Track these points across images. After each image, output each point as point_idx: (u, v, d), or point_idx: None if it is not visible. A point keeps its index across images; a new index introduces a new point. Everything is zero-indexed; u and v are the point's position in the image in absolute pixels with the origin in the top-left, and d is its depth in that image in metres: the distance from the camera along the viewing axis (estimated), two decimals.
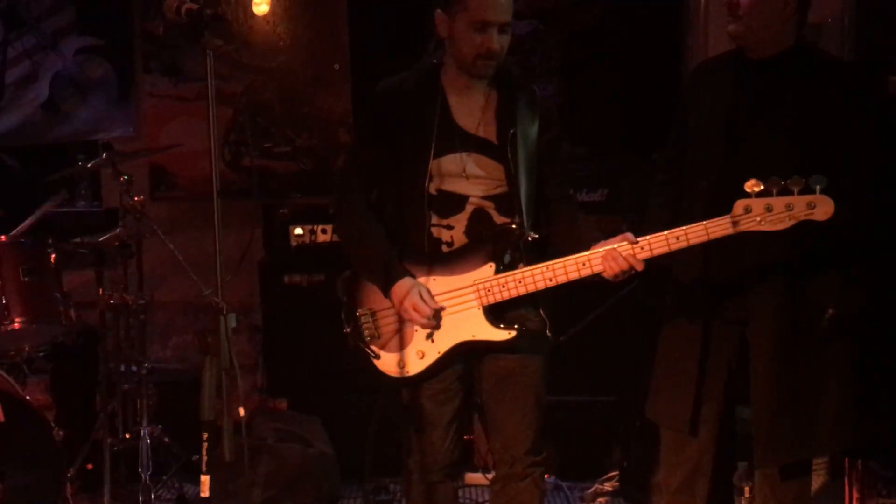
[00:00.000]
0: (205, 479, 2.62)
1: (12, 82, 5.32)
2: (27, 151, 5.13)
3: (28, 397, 3.96)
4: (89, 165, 4.22)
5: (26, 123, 5.30)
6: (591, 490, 4.56)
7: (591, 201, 4.70)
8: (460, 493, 4.53)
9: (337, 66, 5.16)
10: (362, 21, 5.15)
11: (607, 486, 4.58)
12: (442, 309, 3.08)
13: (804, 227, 2.91)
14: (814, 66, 3.25)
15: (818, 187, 2.85)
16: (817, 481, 4.09)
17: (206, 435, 2.59)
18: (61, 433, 3.87)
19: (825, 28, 4.55)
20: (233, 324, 2.59)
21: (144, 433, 4.20)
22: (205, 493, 2.62)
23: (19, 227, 4.08)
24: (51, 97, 5.31)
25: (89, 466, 4.26)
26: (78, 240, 4.24)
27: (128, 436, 4.30)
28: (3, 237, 3.96)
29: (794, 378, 3.27)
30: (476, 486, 4.66)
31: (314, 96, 5.19)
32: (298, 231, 4.80)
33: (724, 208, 2.91)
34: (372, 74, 3.32)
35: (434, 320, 3.06)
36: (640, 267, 2.97)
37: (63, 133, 5.28)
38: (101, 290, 4.12)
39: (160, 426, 4.33)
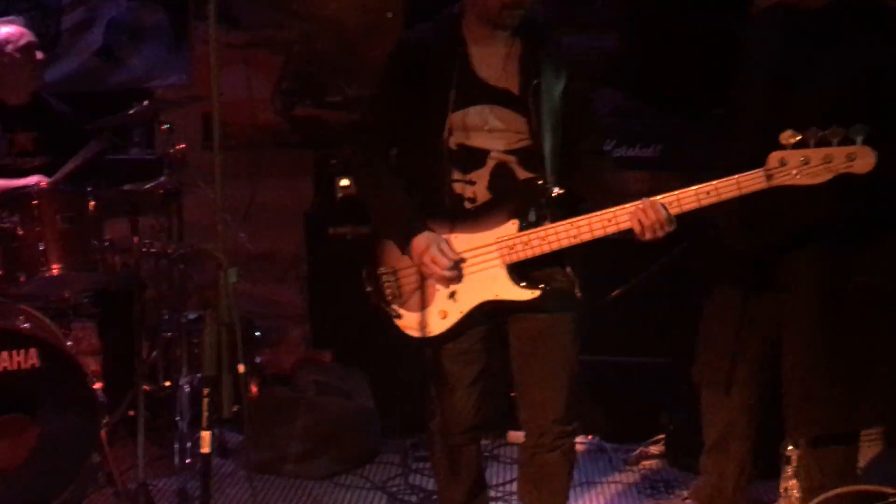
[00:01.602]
0: (205, 434, 2.54)
1: (68, 28, 5.30)
2: (82, 98, 5.08)
3: (69, 343, 3.96)
4: (131, 112, 4.16)
5: (82, 70, 5.28)
6: (636, 453, 4.42)
7: (643, 157, 4.53)
8: (502, 451, 4.45)
9: (390, 15, 5.02)
10: None
11: (653, 450, 4.44)
12: (463, 261, 2.96)
13: (848, 189, 2.72)
14: (866, 14, 3.01)
15: (859, 138, 2.66)
16: (872, 450, 3.91)
17: (206, 390, 2.51)
18: (97, 381, 3.86)
19: None
20: (233, 278, 2.49)
21: (183, 382, 4.16)
22: (205, 449, 2.55)
23: (59, 172, 4.04)
24: (105, 44, 5.28)
25: (131, 413, 4.24)
26: (119, 188, 4.19)
27: (167, 384, 4.27)
28: (43, 183, 3.93)
29: (831, 348, 3.09)
30: (518, 444, 4.54)
31: (366, 45, 5.05)
32: (344, 182, 4.69)
33: None
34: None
35: (454, 272, 2.94)
36: (670, 225, 2.80)
37: (118, 80, 5.25)
38: (135, 239, 4.07)
39: (199, 375, 4.29)
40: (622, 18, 5.07)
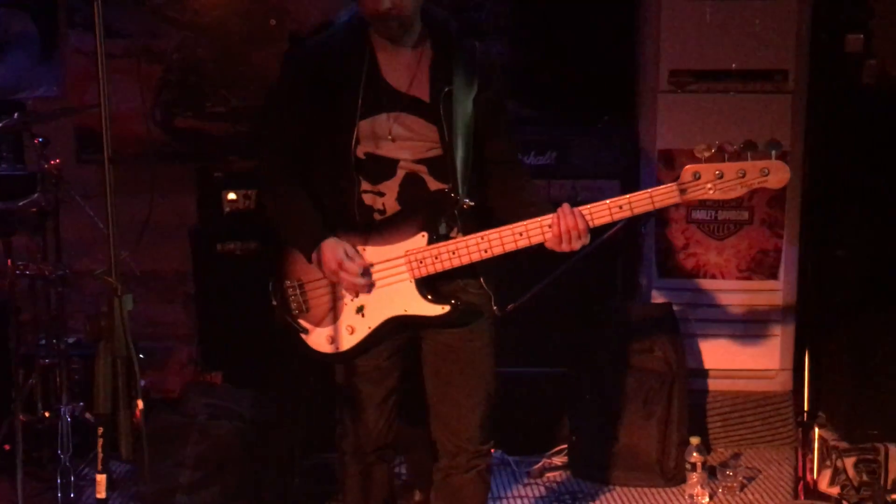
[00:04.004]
0: (101, 478, 2.26)
1: None
2: None
3: None
4: (0, 126, 3.80)
5: None
6: (539, 465, 4.27)
7: (539, 164, 4.41)
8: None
9: (273, 22, 4.75)
10: None
11: (556, 461, 4.30)
12: (372, 266, 2.75)
13: None
14: None
15: (773, 152, 2.57)
16: None
17: (101, 430, 2.22)
18: None
19: None
20: (129, 306, 2.21)
21: (64, 411, 3.82)
22: (101, 494, 2.26)
23: None
24: None
25: (6, 447, 3.87)
26: None
27: (47, 414, 3.92)
28: None
29: None
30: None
31: (249, 54, 4.78)
32: (232, 196, 4.41)
33: None
34: (311, 32, 2.93)
35: (366, 278, 2.74)
36: (586, 237, 2.66)
37: None
38: (9, 261, 3.71)
39: (82, 403, 3.95)
40: (511, 25, 4.92)
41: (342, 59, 2.76)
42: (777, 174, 2.59)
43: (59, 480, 3.80)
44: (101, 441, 2.24)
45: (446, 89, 2.75)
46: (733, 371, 4.46)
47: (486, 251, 2.71)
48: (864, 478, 3.79)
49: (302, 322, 2.88)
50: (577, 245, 2.67)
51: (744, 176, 2.60)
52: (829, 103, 4.29)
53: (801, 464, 3.92)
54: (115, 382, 2.20)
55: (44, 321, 4.03)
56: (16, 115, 3.78)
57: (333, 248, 2.73)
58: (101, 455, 2.25)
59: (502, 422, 4.23)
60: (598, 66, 4.82)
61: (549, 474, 4.24)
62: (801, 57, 4.30)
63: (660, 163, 4.33)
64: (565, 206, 2.66)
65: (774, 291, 4.41)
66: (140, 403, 2.20)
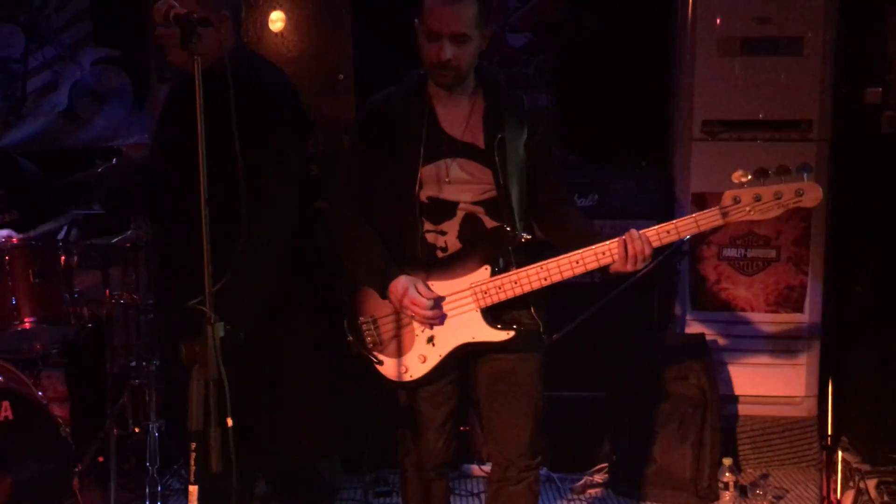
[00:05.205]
0: (193, 489, 2.27)
1: (33, 91, 5.02)
2: (48, 157, 4.77)
3: (40, 393, 3.66)
4: (99, 171, 3.88)
5: (47, 130, 4.99)
6: (581, 482, 4.23)
7: (583, 206, 4.39)
8: (457, 483, 4.22)
9: (341, 77, 4.81)
10: (366, 34, 4.81)
11: (597, 478, 4.26)
12: (442, 299, 2.77)
13: None
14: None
15: (805, 174, 2.56)
16: None
17: (193, 445, 2.23)
18: (68, 429, 3.57)
19: (807, 41, 4.21)
20: (221, 333, 2.23)
21: (152, 427, 3.85)
22: (193, 503, 2.27)
23: (32, 232, 3.74)
24: (70, 105, 5.00)
25: (100, 459, 3.91)
26: (89, 241, 3.89)
27: (137, 430, 3.96)
28: (14, 239, 3.61)
29: None
30: (472, 477, 4.32)
31: (320, 105, 4.83)
32: None
33: None
34: (375, 85, 2.99)
35: (436, 311, 2.75)
36: (648, 259, 2.67)
37: (82, 140, 4.96)
38: (107, 292, 3.77)
39: (165, 421, 3.99)
40: (555, 79, 4.94)
41: (404, 111, 2.80)
42: (811, 193, 2.58)
43: (146, 490, 3.83)
44: (193, 455, 2.25)
45: (499, 136, 2.77)
46: (762, 397, 4.40)
47: (545, 279, 2.72)
48: (886, 498, 3.72)
49: (377, 354, 2.89)
50: (640, 266, 2.68)
51: (780, 198, 2.59)
52: (850, 151, 4.26)
53: (825, 485, 3.85)
54: (206, 402, 2.22)
55: (135, 345, 4.07)
56: (114, 160, 3.85)
57: (405, 284, 2.75)
58: (192, 467, 2.26)
59: (548, 442, 4.29)
60: (636, 116, 4.82)
61: (590, 490, 4.20)
62: (824, 108, 4.27)
63: (693, 205, 4.30)
64: (633, 231, 2.66)
65: (800, 324, 4.35)
66: (230, 421, 2.22)
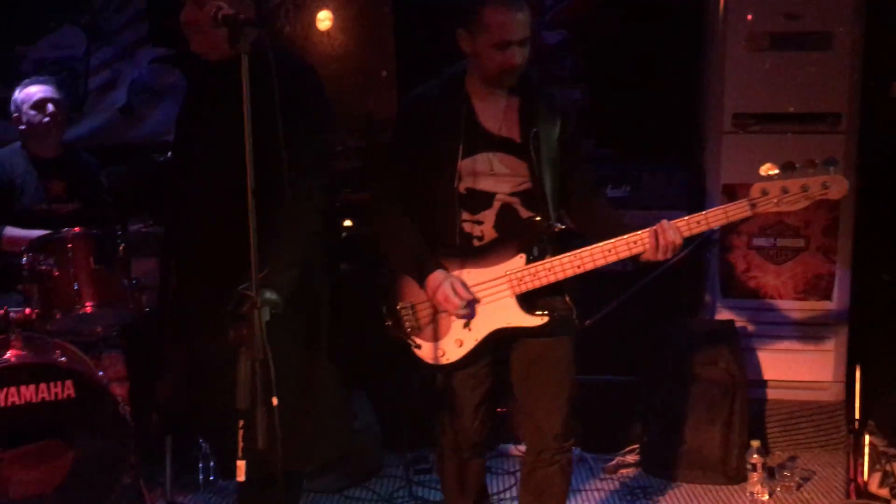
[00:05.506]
0: (241, 463, 2.35)
1: (94, 89, 5.16)
2: (108, 150, 4.91)
3: (101, 373, 3.77)
4: (160, 160, 3.98)
5: (107, 126, 5.13)
6: (614, 462, 4.28)
7: (615, 197, 4.43)
8: (495, 462, 4.28)
9: (384, 74, 4.89)
10: (407, 31, 4.89)
11: (629, 459, 4.30)
12: (477, 301, 2.83)
13: None
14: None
15: (832, 168, 2.59)
16: None
17: (241, 422, 2.32)
18: (127, 408, 3.68)
19: (836, 36, 4.20)
20: (267, 317, 2.32)
21: None
22: (241, 477, 2.36)
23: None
24: (128, 102, 5.14)
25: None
26: (145, 230, 3.99)
27: None
28: (77, 228, 3.73)
29: None
30: (509, 456, 4.38)
31: (364, 101, 4.92)
32: (347, 223, 4.55)
33: None
34: (416, 80, 3.04)
35: (466, 310, 2.81)
36: (679, 248, 2.72)
37: (139, 135, 5.09)
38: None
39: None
40: (588, 74, 4.97)
41: (443, 107, 2.86)
42: (836, 186, 2.61)
43: (200, 465, 3.94)
44: (241, 432, 2.33)
45: (534, 130, 2.82)
46: (790, 382, 4.41)
47: (578, 267, 2.78)
48: None
49: (415, 339, 2.94)
50: (671, 255, 2.72)
51: (807, 190, 2.62)
52: (877, 142, 4.24)
53: (852, 467, 3.85)
54: (253, 382, 2.29)
55: None
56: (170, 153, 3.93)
57: (440, 281, 2.81)
58: (241, 444, 2.34)
59: (581, 423, 4.33)
60: (667, 110, 4.84)
61: (623, 470, 4.24)
62: (852, 101, 4.25)
63: (724, 196, 4.31)
64: (664, 221, 2.71)
65: (828, 311, 4.35)
66: (275, 400, 2.29)
